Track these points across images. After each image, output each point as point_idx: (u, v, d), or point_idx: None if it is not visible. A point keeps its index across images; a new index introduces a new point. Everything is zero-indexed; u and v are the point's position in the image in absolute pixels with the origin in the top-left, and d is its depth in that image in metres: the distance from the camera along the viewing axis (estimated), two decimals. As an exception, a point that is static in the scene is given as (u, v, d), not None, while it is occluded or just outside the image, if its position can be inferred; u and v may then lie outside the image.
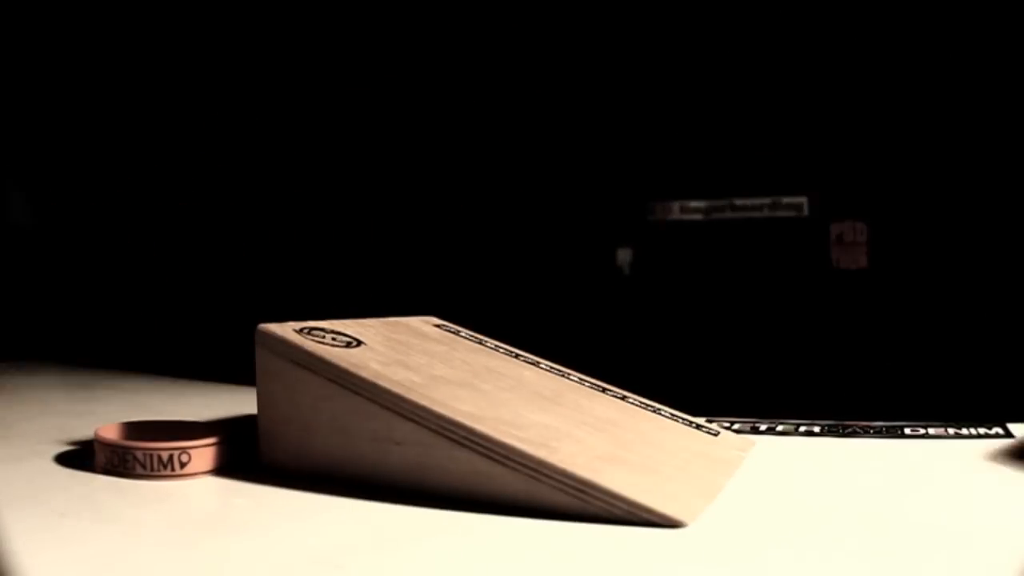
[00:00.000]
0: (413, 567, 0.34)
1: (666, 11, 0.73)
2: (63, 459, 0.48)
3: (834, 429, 0.56)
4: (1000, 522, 0.38)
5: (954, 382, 0.65)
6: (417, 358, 0.48)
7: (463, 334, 0.57)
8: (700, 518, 0.38)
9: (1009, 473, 0.47)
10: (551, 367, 0.55)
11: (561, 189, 0.78)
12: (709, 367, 0.73)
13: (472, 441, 0.40)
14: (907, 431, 0.55)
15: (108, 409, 0.71)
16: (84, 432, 0.52)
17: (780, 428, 0.56)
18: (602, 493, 0.37)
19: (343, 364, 0.44)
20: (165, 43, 0.93)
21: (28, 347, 0.95)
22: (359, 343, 0.48)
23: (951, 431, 0.55)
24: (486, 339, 0.57)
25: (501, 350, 0.56)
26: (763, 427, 0.56)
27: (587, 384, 0.53)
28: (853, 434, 0.54)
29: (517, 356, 0.55)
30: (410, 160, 0.85)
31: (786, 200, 0.72)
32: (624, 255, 0.75)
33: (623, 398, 0.52)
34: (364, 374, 0.43)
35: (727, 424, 0.56)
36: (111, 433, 0.47)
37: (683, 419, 0.51)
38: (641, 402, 0.52)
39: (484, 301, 0.78)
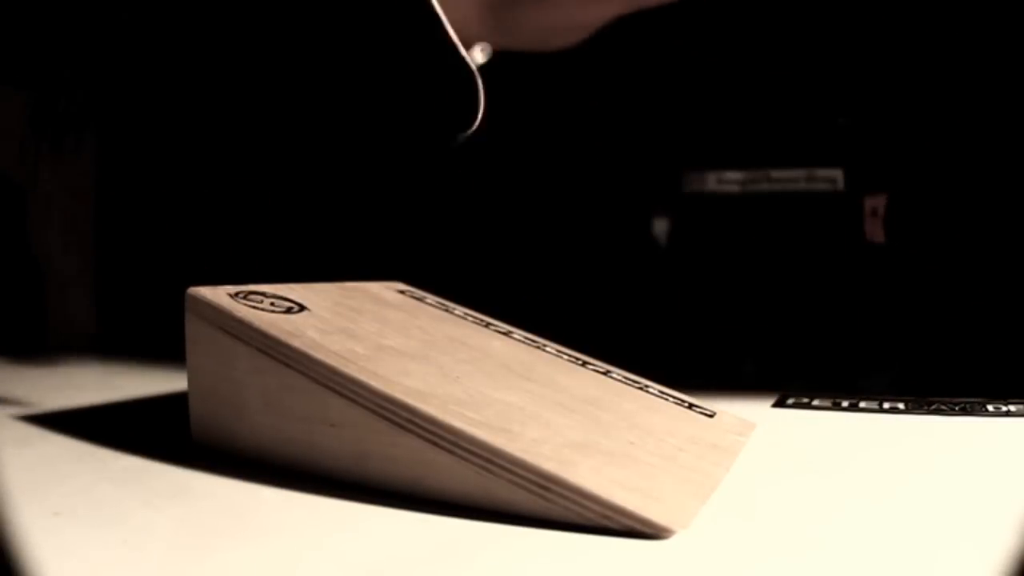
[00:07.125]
0: None
1: None
2: None
3: (919, 406, 0.50)
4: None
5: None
6: (367, 326, 0.42)
7: (428, 300, 0.50)
8: (693, 524, 0.31)
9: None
10: (526, 337, 0.48)
11: (593, 161, 0.73)
12: (772, 343, 0.68)
13: (415, 424, 0.33)
14: (990, 408, 0.49)
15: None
16: None
17: (863, 405, 0.50)
18: (569, 491, 0.31)
19: (274, 332, 0.38)
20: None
21: None
22: (301, 308, 0.42)
23: None
24: (454, 306, 0.50)
25: (470, 318, 0.49)
26: (845, 403, 0.51)
27: (565, 357, 0.46)
28: (938, 411, 0.49)
29: (487, 325, 0.48)
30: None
31: (821, 173, 0.67)
32: (660, 226, 0.70)
33: (606, 373, 0.45)
34: (296, 343, 0.37)
35: (805, 400, 0.51)
36: None
37: (673, 397, 0.44)
38: (626, 377, 0.45)
39: (511, 274, 0.72)
